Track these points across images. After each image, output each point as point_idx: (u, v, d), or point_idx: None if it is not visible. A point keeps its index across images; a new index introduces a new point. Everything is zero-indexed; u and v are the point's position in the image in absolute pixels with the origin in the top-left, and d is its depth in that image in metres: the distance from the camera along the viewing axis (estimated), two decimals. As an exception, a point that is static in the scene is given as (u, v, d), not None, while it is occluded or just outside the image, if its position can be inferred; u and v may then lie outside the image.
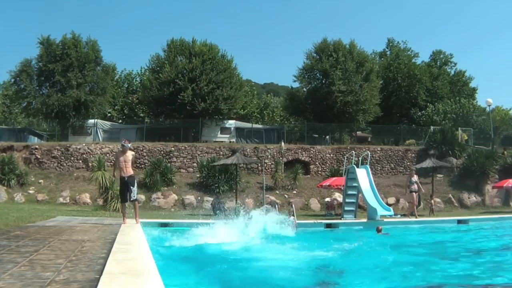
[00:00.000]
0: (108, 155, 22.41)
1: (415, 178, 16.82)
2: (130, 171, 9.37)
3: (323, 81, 30.87)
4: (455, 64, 46.23)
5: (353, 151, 22.68)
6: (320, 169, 25.40)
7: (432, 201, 19.47)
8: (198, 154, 24.16)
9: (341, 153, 25.38)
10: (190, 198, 21.07)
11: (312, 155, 25.65)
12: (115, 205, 15.29)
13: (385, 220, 14.27)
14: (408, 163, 25.83)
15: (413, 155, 26.53)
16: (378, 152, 26.28)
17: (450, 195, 23.16)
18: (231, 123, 30.52)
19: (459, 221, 14.80)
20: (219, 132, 29.90)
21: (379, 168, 25.80)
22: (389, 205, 19.35)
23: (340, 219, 15.52)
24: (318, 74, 31.42)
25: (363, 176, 15.33)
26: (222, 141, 28.09)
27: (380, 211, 14.01)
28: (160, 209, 19.85)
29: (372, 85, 30.87)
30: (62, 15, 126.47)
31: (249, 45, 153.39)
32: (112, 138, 26.98)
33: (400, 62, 37.85)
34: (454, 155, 25.61)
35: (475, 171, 23.88)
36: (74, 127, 28.27)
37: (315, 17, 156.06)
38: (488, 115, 32.41)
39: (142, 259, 4.34)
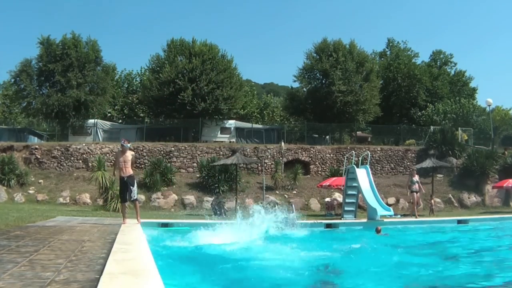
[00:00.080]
0: (108, 155, 22.41)
1: (416, 178, 16.81)
2: (129, 171, 9.37)
3: (323, 81, 30.87)
4: (455, 64, 46.31)
5: (353, 151, 22.69)
6: (320, 169, 25.40)
7: (432, 201, 19.46)
8: (198, 154, 24.17)
9: (341, 153, 25.39)
10: (190, 198, 21.08)
11: (312, 155, 25.65)
12: (115, 205, 15.29)
13: (385, 220, 14.27)
14: (408, 163, 25.83)
15: (413, 155, 26.54)
16: (378, 152, 26.28)
17: (450, 195, 23.16)
18: (231, 123, 30.52)
19: (459, 221, 14.79)
20: (219, 132, 29.91)
21: (379, 168, 25.80)
22: (389, 205, 19.35)
23: (340, 219, 15.51)
24: (318, 74, 31.43)
25: (363, 176, 15.32)
26: (222, 141, 28.10)
27: (380, 211, 14.00)
28: (160, 209, 19.86)
29: (372, 85, 30.87)
30: (62, 15, 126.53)
31: (249, 45, 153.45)
32: (112, 138, 26.98)
33: (400, 62, 37.86)
34: (454, 155, 25.61)
35: (475, 171, 23.87)
36: (74, 127, 28.28)
37: (315, 17, 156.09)
38: (488, 115, 32.40)
39: (142, 259, 4.34)
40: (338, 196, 20.85)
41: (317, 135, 31.16)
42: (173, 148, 24.18)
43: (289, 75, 72.48)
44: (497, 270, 7.12)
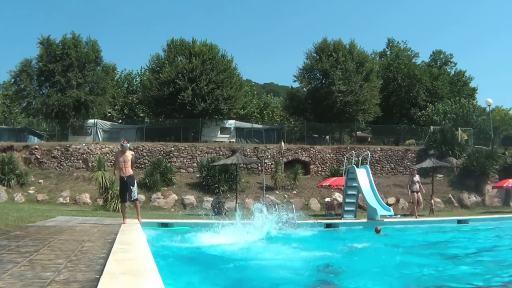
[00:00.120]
0: (108, 155, 22.41)
1: (416, 178, 16.79)
2: (129, 171, 9.37)
3: (323, 81, 30.88)
4: (455, 64, 46.33)
5: (353, 151, 22.69)
6: (320, 169, 25.40)
7: (432, 201, 19.45)
8: (198, 154, 24.16)
9: (341, 153, 25.38)
10: (190, 198, 21.08)
11: (312, 155, 25.64)
12: (115, 205, 15.28)
13: (385, 220, 14.26)
14: (408, 163, 25.83)
15: (413, 155, 26.54)
16: (378, 152, 26.28)
17: (450, 195, 23.16)
18: (231, 123, 30.53)
19: (459, 221, 14.77)
20: (219, 132, 29.91)
21: (379, 168, 25.80)
22: (389, 205, 19.34)
23: (340, 219, 15.50)
24: (318, 74, 31.44)
25: (363, 176, 15.31)
26: (222, 141, 28.10)
27: (380, 211, 13.98)
28: (160, 209, 19.86)
29: (372, 85, 30.88)
30: (62, 15, 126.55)
31: (249, 45, 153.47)
32: (112, 138, 26.99)
33: (400, 62, 37.86)
34: (454, 155, 25.61)
35: (475, 171, 23.87)
36: (74, 127, 28.29)
37: (315, 17, 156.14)
38: (488, 115, 32.41)
39: (142, 259, 4.34)
40: (338, 196, 20.84)
41: (317, 135, 31.17)
42: (173, 148, 24.18)
43: (289, 75, 72.57)
44: (497, 270, 7.12)
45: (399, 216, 17.50)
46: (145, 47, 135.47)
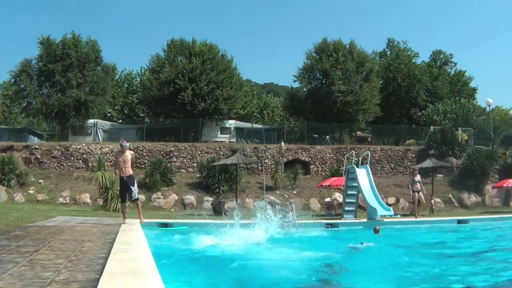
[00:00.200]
0: (108, 155, 22.41)
1: (418, 177, 16.77)
2: (129, 171, 9.36)
3: (323, 81, 30.88)
4: (455, 64, 46.35)
5: (353, 151, 22.68)
6: (320, 169, 25.40)
7: (432, 201, 19.45)
8: (198, 154, 24.17)
9: (341, 153, 25.39)
10: (190, 198, 21.08)
11: (312, 155, 25.65)
12: (115, 205, 15.29)
13: (385, 220, 14.26)
14: (408, 163, 25.83)
15: (413, 155, 26.54)
16: (378, 152, 26.28)
17: (450, 195, 23.16)
18: (231, 123, 30.53)
19: (459, 221, 14.76)
20: (219, 132, 29.92)
21: (379, 168, 25.80)
22: (389, 205, 19.34)
23: (340, 219, 15.50)
24: (318, 74, 31.45)
25: (363, 176, 15.30)
26: (222, 141, 28.10)
27: (380, 211, 13.97)
28: (160, 209, 19.86)
29: (372, 85, 30.88)
30: (62, 15, 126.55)
31: (248, 44, 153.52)
32: (112, 138, 26.99)
33: (400, 62, 37.88)
34: (454, 155, 25.61)
35: (475, 171, 23.87)
36: (74, 127, 28.29)
37: (315, 16, 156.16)
38: (488, 115, 32.41)
39: (142, 259, 4.34)
40: (338, 196, 20.84)
41: (317, 135, 31.17)
42: (173, 148, 24.18)
43: (289, 75, 72.59)
44: (497, 270, 7.12)
45: (399, 216, 17.50)
46: (145, 47, 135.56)
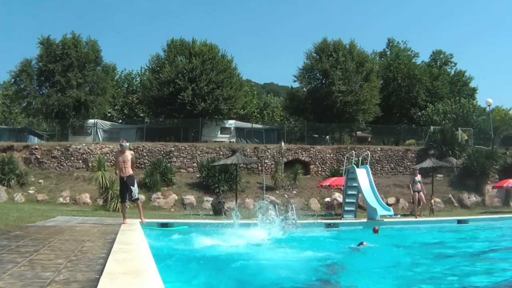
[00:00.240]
0: (108, 155, 22.41)
1: (418, 177, 16.75)
2: (129, 171, 9.34)
3: (323, 81, 30.89)
4: (455, 64, 46.37)
5: (353, 151, 22.69)
6: (320, 169, 25.40)
7: (432, 201, 19.44)
8: (198, 154, 24.16)
9: (341, 153, 25.39)
10: (190, 198, 21.08)
11: (312, 155, 25.64)
12: (115, 205, 15.29)
13: (385, 220, 14.26)
14: (408, 163, 25.83)
15: (413, 155, 26.54)
16: (378, 152, 26.28)
17: (450, 195, 23.16)
18: (231, 123, 30.53)
19: (459, 221, 14.77)
20: (219, 132, 29.92)
21: (379, 168, 25.80)
22: (389, 205, 19.34)
23: (340, 219, 15.51)
24: (318, 74, 31.45)
25: (363, 176, 15.30)
26: (222, 141, 28.10)
27: (380, 211, 13.98)
28: (160, 209, 19.86)
29: (372, 85, 30.89)
30: (62, 15, 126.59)
31: (249, 45, 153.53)
32: (112, 138, 27.00)
33: (400, 62, 37.88)
34: (454, 155, 25.61)
35: (475, 171, 23.87)
36: (74, 127, 28.30)
37: (315, 16, 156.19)
38: (488, 115, 32.41)
39: (142, 259, 4.34)
40: (338, 196, 20.84)
41: (317, 135, 31.17)
42: (173, 148, 24.17)
43: (289, 75, 72.61)
44: (497, 270, 7.12)
45: (399, 216, 17.50)
46: (145, 47, 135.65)
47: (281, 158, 24.59)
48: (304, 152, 25.60)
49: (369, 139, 34.78)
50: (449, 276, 6.56)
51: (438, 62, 45.73)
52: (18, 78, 27.26)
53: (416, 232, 13.00)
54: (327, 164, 25.50)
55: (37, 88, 27.85)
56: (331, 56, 30.10)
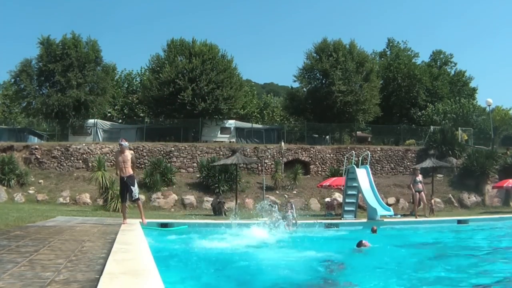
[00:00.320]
0: (108, 155, 22.41)
1: (419, 177, 16.73)
2: (129, 171, 9.32)
3: (323, 81, 30.89)
4: (455, 64, 46.37)
5: (353, 151, 22.69)
6: (320, 169, 25.39)
7: (432, 201, 19.44)
8: (198, 154, 24.16)
9: (341, 153, 25.38)
10: (190, 198, 21.08)
11: (312, 155, 25.64)
12: (115, 205, 15.29)
13: (385, 220, 14.27)
14: (408, 163, 25.83)
15: (413, 155, 26.54)
16: (378, 152, 26.28)
17: (450, 195, 23.16)
18: (231, 123, 30.53)
19: (459, 221, 14.76)
20: (219, 132, 29.92)
21: (379, 168, 25.80)
22: (389, 205, 19.35)
23: (340, 219, 15.51)
24: (318, 74, 31.45)
25: (363, 176, 15.31)
26: (222, 141, 28.10)
27: (380, 211, 13.99)
28: (160, 209, 19.86)
29: (372, 85, 30.88)
30: (62, 15, 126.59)
31: (249, 44, 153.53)
32: (112, 138, 26.99)
33: (400, 62, 37.88)
34: (454, 155, 25.61)
35: (475, 171, 23.86)
36: (74, 127, 28.29)
37: (315, 16, 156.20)
38: (488, 115, 32.41)
39: (142, 259, 4.34)
40: (338, 196, 20.84)
41: (317, 135, 31.17)
42: (173, 148, 24.17)
43: (289, 75, 72.62)
44: (497, 270, 7.12)
45: (399, 216, 17.50)
46: (145, 47, 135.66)
47: (281, 158, 24.59)
48: (304, 152, 25.60)
49: (369, 139, 34.78)
50: (449, 276, 6.56)
51: (438, 62, 45.73)
52: (18, 78, 27.25)
53: (416, 232, 13.00)
54: (327, 164, 25.50)
55: (37, 88, 27.85)
56: (331, 56, 30.10)
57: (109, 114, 37.14)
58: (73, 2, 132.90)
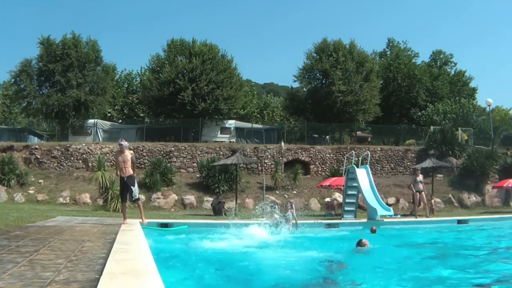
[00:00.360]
0: (108, 155, 22.41)
1: (420, 177, 16.73)
2: (129, 171, 9.31)
3: (323, 81, 30.88)
4: (455, 64, 46.38)
5: (353, 151, 22.69)
6: (320, 169, 25.39)
7: (432, 201, 19.43)
8: (198, 154, 24.16)
9: (341, 153, 25.38)
10: (190, 198, 21.08)
11: (312, 155, 25.64)
12: (115, 205, 15.29)
13: (385, 220, 14.27)
14: (408, 163, 25.83)
15: (413, 155, 26.54)
16: (378, 152, 26.28)
17: (450, 195, 23.16)
18: (231, 123, 30.53)
19: (459, 221, 14.77)
20: (219, 132, 29.91)
21: (379, 168, 25.80)
22: (389, 205, 19.34)
23: (340, 219, 15.51)
24: (318, 74, 31.45)
25: (363, 176, 15.31)
26: (222, 141, 28.09)
27: (380, 211, 13.99)
28: (160, 209, 19.86)
29: (372, 85, 30.88)
30: (62, 15, 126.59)
31: (249, 45, 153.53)
32: (112, 138, 26.97)
33: (400, 62, 37.88)
34: (454, 155, 25.61)
35: (475, 171, 23.86)
36: (74, 127, 28.29)
37: (315, 16, 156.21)
38: (488, 115, 32.41)
39: (142, 259, 4.33)
40: (338, 196, 20.84)
41: (317, 135, 31.16)
42: (173, 148, 24.17)
43: (289, 75, 72.62)
44: (497, 270, 7.12)
45: (399, 216, 17.50)
46: (145, 47, 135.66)
47: (281, 158, 24.59)
48: (304, 152, 25.60)
49: (369, 139, 34.77)
50: (449, 276, 6.56)
51: (438, 62, 45.73)
52: (18, 78, 27.25)
53: (416, 232, 13.00)
54: (327, 164, 25.50)
55: (37, 88, 27.84)
56: (331, 56, 30.09)
57: (109, 114, 37.13)
58: (73, 2, 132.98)
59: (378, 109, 31.45)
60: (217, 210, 17.32)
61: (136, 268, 3.83)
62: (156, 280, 3.23)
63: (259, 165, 24.10)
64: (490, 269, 7.22)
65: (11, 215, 10.11)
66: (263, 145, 25.86)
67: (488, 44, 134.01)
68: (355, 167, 15.99)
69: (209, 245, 8.65)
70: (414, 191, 16.50)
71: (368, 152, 21.38)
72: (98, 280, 3.15)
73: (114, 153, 20.16)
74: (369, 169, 16.04)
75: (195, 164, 23.83)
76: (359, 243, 8.35)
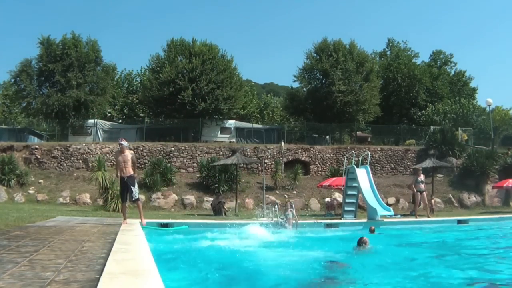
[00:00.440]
0: (108, 155, 22.41)
1: (421, 177, 16.72)
2: (129, 171, 9.31)
3: (323, 81, 30.88)
4: (455, 64, 46.38)
5: (353, 151, 22.68)
6: (320, 169, 25.39)
7: (432, 201, 19.43)
8: (198, 154, 24.16)
9: (341, 153, 25.38)
10: (190, 198, 21.08)
11: (312, 155, 25.64)
12: (115, 205, 15.28)
13: (385, 220, 14.27)
14: (408, 163, 25.83)
15: (413, 155, 26.53)
16: (378, 152, 26.27)
17: (450, 195, 23.15)
18: (231, 123, 30.52)
19: (459, 221, 14.77)
20: (219, 132, 29.91)
21: (379, 168, 25.80)
22: (389, 205, 19.34)
23: (340, 219, 15.51)
24: (318, 74, 31.44)
25: (363, 176, 15.31)
26: (222, 141, 28.09)
27: (380, 211, 13.99)
28: (160, 209, 19.85)
29: (372, 85, 30.88)
30: (62, 15, 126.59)
31: (249, 45, 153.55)
32: (112, 138, 26.96)
33: (400, 62, 37.87)
34: (454, 155, 25.60)
35: (475, 171, 23.86)
36: (74, 127, 28.29)
37: (315, 16, 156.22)
38: (488, 115, 32.40)
39: (142, 259, 4.33)
40: (338, 196, 20.84)
41: (317, 135, 31.16)
42: (173, 148, 24.17)
43: (289, 75, 72.61)
44: (497, 270, 7.12)
45: (399, 216, 17.50)
46: (145, 47, 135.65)
47: (281, 158, 24.59)
48: (304, 152, 25.59)
49: (369, 139, 34.76)
50: (449, 276, 6.56)
51: (438, 62, 45.74)
52: (18, 78, 27.24)
53: (416, 232, 13.00)
54: (327, 164, 25.50)
55: (37, 88, 27.84)
56: (331, 56, 30.09)
57: (109, 114, 37.13)
58: (73, 2, 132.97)
59: (378, 109, 31.44)
60: (217, 210, 17.31)
61: (136, 268, 3.83)
62: (156, 280, 3.23)
63: (259, 165, 24.10)
64: (490, 269, 7.23)
65: (11, 215, 10.11)
66: (263, 145, 25.86)
67: (488, 44, 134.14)
68: (355, 167, 15.99)
69: (209, 245, 8.65)
70: (415, 191, 16.47)
71: (368, 152, 21.37)
72: (98, 280, 3.15)
73: (114, 153, 20.17)
74: (369, 169, 16.03)
75: (195, 164, 23.83)
76: (360, 241, 8.34)
